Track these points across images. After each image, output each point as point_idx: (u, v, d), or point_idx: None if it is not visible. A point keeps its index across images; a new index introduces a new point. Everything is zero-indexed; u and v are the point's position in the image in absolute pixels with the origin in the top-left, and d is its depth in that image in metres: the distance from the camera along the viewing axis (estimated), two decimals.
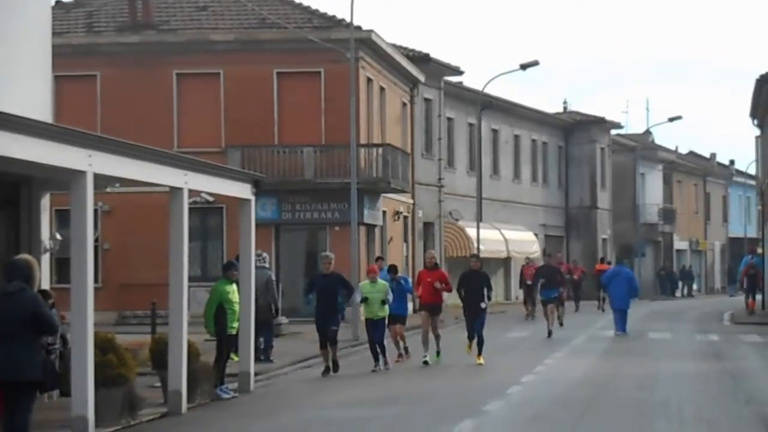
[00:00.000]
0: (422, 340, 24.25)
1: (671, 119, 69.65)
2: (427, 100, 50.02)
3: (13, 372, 11.55)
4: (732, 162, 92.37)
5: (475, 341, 24.38)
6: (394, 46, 43.94)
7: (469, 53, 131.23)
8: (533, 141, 63.67)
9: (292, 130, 39.17)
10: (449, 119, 53.14)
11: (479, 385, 20.58)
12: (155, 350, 18.16)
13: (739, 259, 56.32)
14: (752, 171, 76.06)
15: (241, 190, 19.79)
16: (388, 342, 24.06)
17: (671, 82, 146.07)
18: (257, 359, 21.96)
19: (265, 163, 37.79)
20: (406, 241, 46.82)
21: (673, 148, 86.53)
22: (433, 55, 48.74)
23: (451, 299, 28.09)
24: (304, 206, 39.29)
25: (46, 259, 19.62)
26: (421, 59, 47.68)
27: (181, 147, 36.68)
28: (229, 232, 37.97)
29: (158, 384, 18.25)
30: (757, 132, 53.03)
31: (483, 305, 24.39)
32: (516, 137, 61.57)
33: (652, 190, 75.27)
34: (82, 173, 14.22)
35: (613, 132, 71.98)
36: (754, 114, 49.92)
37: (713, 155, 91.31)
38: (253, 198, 20.09)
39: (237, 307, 19.32)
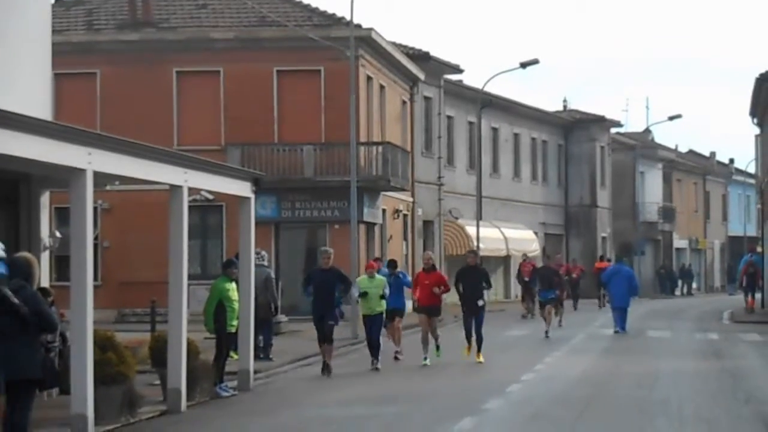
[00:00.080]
0: (422, 340, 24.23)
1: (671, 118, 69.65)
2: (426, 98, 50.01)
3: (13, 370, 11.54)
4: (732, 161, 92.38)
5: (474, 340, 24.36)
6: (394, 44, 43.93)
7: (469, 51, 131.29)
8: (533, 139, 63.67)
9: (292, 128, 39.17)
10: (449, 117, 53.14)
11: (479, 384, 20.59)
12: (155, 348, 18.16)
13: (739, 258, 56.38)
14: (752, 170, 76.08)
15: (241, 188, 19.78)
16: (384, 341, 24.04)
17: (671, 80, 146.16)
18: (257, 357, 21.95)
19: (264, 161, 37.79)
20: (405, 239, 46.81)
21: (673, 147, 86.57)
22: (433, 53, 48.78)
23: (450, 298, 28.08)
24: (303, 204, 39.28)
25: (45, 256, 19.63)
26: (421, 57, 47.67)
27: (180, 145, 36.64)
28: (228, 231, 37.97)
29: (158, 382, 18.26)
30: (757, 131, 53.04)
31: (480, 302, 24.34)
32: (516, 135, 61.56)
33: (651, 188, 75.28)
34: (82, 171, 14.21)
35: (613, 130, 72.01)
36: (753, 113, 49.91)
37: (713, 154, 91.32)
38: (252, 196, 20.08)
39: (236, 305, 19.32)
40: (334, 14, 40.30)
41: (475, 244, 47.72)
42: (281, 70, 39.40)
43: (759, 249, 49.42)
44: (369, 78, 41.17)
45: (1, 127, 12.52)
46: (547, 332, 31.55)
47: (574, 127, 67.70)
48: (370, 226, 41.26)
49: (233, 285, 19.37)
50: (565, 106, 71.38)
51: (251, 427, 16.20)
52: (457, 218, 52.47)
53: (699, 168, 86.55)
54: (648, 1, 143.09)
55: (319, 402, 18.25)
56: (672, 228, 77.59)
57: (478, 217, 49.04)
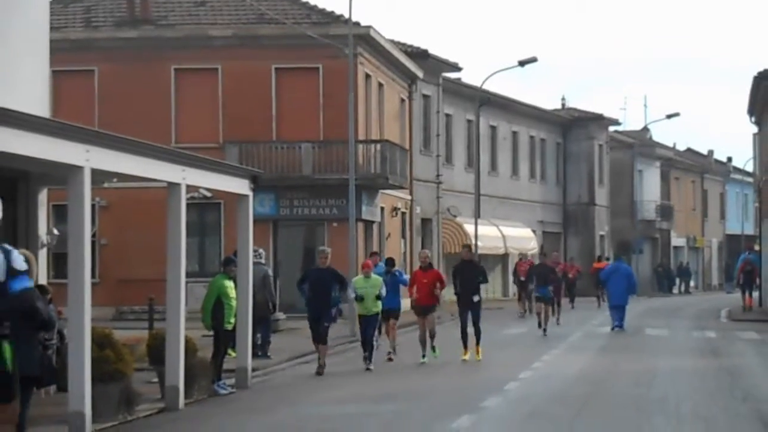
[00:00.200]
0: (419, 339, 24.20)
1: (669, 116, 69.64)
2: (425, 96, 50.00)
3: None
4: (729, 159, 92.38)
5: (472, 343, 24.24)
6: (392, 42, 43.92)
7: (468, 49, 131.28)
8: (531, 137, 63.68)
9: (291, 125, 39.16)
10: (447, 115, 53.13)
11: (477, 382, 20.59)
12: (152, 346, 18.15)
13: (737, 256, 56.39)
14: (750, 168, 76.11)
15: (239, 186, 19.77)
16: (380, 339, 24.00)
17: (669, 79, 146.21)
18: (255, 355, 21.94)
19: (263, 158, 37.79)
20: (404, 237, 46.82)
21: (671, 145, 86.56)
22: (432, 51, 48.79)
23: (448, 295, 28.09)
24: (302, 202, 39.28)
25: (43, 254, 19.62)
26: (420, 55, 47.66)
27: (179, 142, 36.63)
28: (226, 228, 37.95)
29: (155, 379, 18.25)
30: (755, 129, 53.02)
31: (476, 298, 24.28)
32: (514, 134, 61.57)
33: (649, 186, 75.30)
34: (80, 168, 14.19)
35: (611, 129, 72.02)
36: (751, 111, 49.92)
37: (711, 152, 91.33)
38: (251, 194, 20.07)
39: (234, 303, 19.32)
40: (332, 12, 40.29)
41: (474, 242, 47.73)
42: (280, 67, 39.39)
43: (756, 247, 49.45)
44: (367, 76, 41.16)
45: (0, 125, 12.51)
46: (545, 330, 31.47)
47: (573, 126, 67.72)
48: (368, 224, 41.26)
49: (232, 283, 19.37)
50: (563, 105, 71.40)
51: (249, 424, 16.19)
52: (455, 216, 52.47)
53: (697, 166, 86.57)
54: (646, 0, 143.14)
55: (317, 399, 18.24)
56: (670, 226, 77.61)
57: (477, 215, 49.04)
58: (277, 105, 39.43)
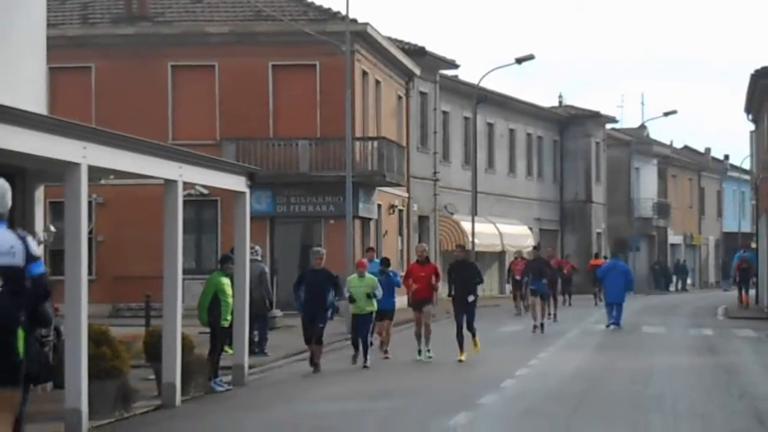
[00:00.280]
0: (416, 335, 24.16)
1: (666, 114, 69.74)
2: (422, 93, 50.00)
3: None
4: (726, 157, 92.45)
5: (469, 342, 24.20)
6: (389, 39, 43.91)
7: (465, 47, 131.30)
8: (528, 135, 63.69)
9: (287, 122, 39.16)
10: (444, 113, 53.13)
11: (473, 379, 20.59)
12: (149, 343, 18.15)
13: (733, 254, 56.44)
14: (746, 166, 76.18)
15: (236, 183, 19.76)
16: (374, 338, 23.95)
17: (666, 76, 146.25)
18: (251, 352, 21.93)
19: (259, 155, 37.77)
20: (401, 234, 46.83)
21: (668, 143, 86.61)
22: (429, 48, 48.79)
23: (444, 292, 28.05)
24: (299, 199, 39.27)
25: (40, 251, 19.57)
26: (417, 52, 47.66)
27: (175, 139, 36.63)
28: (223, 225, 37.96)
29: (152, 376, 18.25)
30: (752, 127, 53.03)
31: (471, 298, 24.18)
32: (511, 131, 61.58)
33: (646, 184, 75.32)
34: (77, 165, 14.19)
35: (608, 126, 72.01)
36: (748, 109, 49.92)
37: (708, 150, 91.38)
38: (247, 191, 20.06)
39: (231, 300, 19.31)
40: (329, 9, 40.29)
41: (470, 239, 47.75)
42: (276, 64, 39.39)
43: (753, 245, 49.49)
44: (364, 73, 41.15)
45: None
46: (542, 325, 31.36)
47: (570, 123, 67.73)
48: (365, 221, 41.25)
49: (228, 280, 19.36)
50: (560, 102, 71.40)
51: (246, 421, 16.18)
52: (452, 213, 52.48)
53: (694, 164, 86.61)
54: None
55: (314, 397, 18.24)
56: (667, 224, 77.64)
57: (474, 212, 49.05)
58: (274, 102, 39.42)
